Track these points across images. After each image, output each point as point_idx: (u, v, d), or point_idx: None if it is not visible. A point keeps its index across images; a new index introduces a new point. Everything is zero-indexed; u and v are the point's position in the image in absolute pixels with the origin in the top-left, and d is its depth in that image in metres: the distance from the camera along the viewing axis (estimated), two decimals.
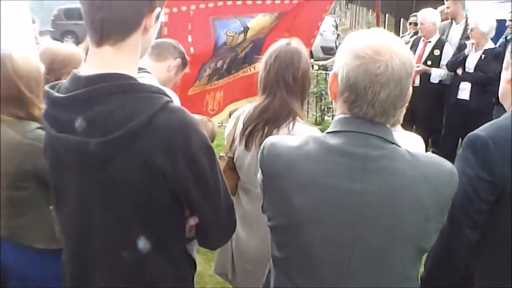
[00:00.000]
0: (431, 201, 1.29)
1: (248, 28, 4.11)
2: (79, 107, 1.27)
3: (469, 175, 1.60)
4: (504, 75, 1.80)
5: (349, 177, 1.28)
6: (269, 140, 1.42)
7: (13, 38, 2.83)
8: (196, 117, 3.02)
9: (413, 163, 1.30)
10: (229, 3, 3.95)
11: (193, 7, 3.74)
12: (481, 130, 1.66)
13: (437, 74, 5.45)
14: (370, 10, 15.30)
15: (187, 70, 2.93)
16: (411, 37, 6.12)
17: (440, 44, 5.57)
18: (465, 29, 5.83)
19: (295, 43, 2.27)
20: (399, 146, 1.33)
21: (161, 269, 1.41)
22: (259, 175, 1.42)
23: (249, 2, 4.04)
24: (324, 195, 1.29)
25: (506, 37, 5.53)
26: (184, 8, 3.70)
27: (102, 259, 1.40)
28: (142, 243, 1.35)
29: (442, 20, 5.96)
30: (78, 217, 1.39)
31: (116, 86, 1.27)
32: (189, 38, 3.79)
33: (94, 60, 1.33)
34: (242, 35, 4.12)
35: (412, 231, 1.29)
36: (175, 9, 3.65)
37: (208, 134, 2.94)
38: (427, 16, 5.63)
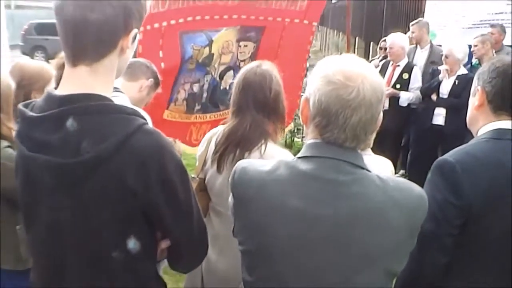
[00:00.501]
0: (401, 226, 1.30)
1: (213, 41, 4.17)
2: (53, 127, 1.25)
3: (437, 199, 1.64)
4: (472, 101, 1.84)
5: (320, 202, 1.29)
6: (240, 164, 1.42)
7: None
8: None
9: (383, 188, 1.31)
10: (197, 18, 4.00)
11: (164, 23, 3.78)
12: (450, 155, 1.70)
13: (406, 98, 5.54)
14: (340, 33, 15.55)
15: (159, 90, 2.92)
16: (380, 61, 6.22)
17: (408, 68, 5.67)
18: (430, 53, 5.99)
19: (267, 65, 2.29)
20: (369, 171, 1.34)
21: None
22: (230, 199, 1.42)
23: (216, 17, 4.10)
24: (295, 220, 1.29)
25: (471, 64, 5.68)
26: (156, 25, 3.74)
27: (74, 277, 1.37)
28: (114, 262, 1.33)
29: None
30: (50, 236, 1.37)
31: (90, 106, 1.26)
32: (160, 54, 3.83)
33: (69, 80, 1.31)
34: (207, 48, 4.17)
35: (382, 255, 1.30)
36: (148, 27, 3.68)
37: None
38: (396, 40, 5.74)
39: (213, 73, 4.27)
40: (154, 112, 3.82)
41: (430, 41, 6.21)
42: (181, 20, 3.88)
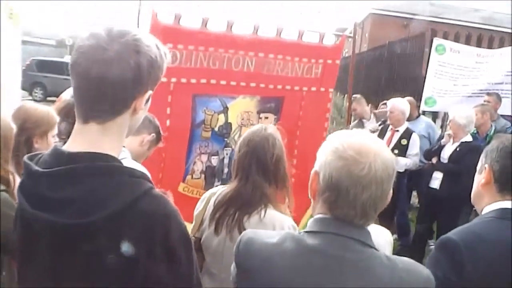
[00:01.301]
0: None
1: (228, 108, 4.07)
2: (58, 185, 1.22)
3: (438, 277, 1.60)
4: (478, 179, 1.84)
5: (325, 279, 1.26)
6: (246, 234, 1.40)
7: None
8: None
9: (391, 268, 1.28)
10: (212, 81, 3.92)
11: (174, 79, 3.73)
12: (454, 234, 1.69)
13: (403, 164, 5.49)
14: (338, 93, 15.75)
15: (160, 144, 2.87)
16: (379, 125, 6.24)
17: (407, 134, 5.63)
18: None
19: (271, 129, 2.29)
20: (376, 250, 1.32)
21: None
22: (233, 268, 1.39)
23: (232, 83, 4.02)
24: None
25: (487, 134, 5.66)
26: (164, 80, 3.68)
27: None
28: None
29: None
30: None
31: (99, 167, 1.23)
32: (168, 110, 3.76)
33: (79, 137, 1.29)
34: (222, 115, 4.08)
35: None
36: None
37: None
38: (397, 105, 5.70)
39: (233, 146, 4.13)
40: (169, 184, 3.77)
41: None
42: (193, 80, 3.83)
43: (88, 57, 1.21)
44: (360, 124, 6.49)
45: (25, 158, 1.32)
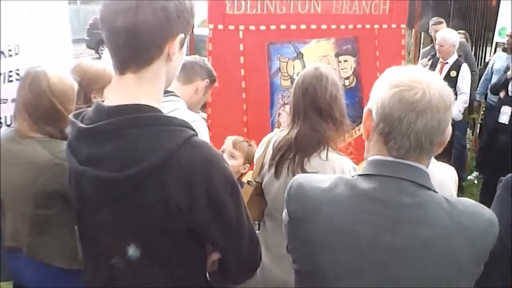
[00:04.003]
0: (466, 254, 1.20)
1: (302, 54, 4.00)
2: (100, 140, 1.25)
3: (504, 218, 1.51)
4: None
5: (379, 228, 1.20)
6: (297, 179, 1.35)
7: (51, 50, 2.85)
8: (232, 138, 2.97)
9: (450, 213, 1.20)
10: (282, 27, 3.86)
11: (242, 27, 3.69)
12: None
13: (456, 113, 5.20)
14: (412, 31, 14.94)
15: (216, 84, 2.81)
16: (428, 59, 5.82)
17: (456, 66, 5.40)
18: None
19: (323, 68, 2.23)
20: (435, 192, 1.24)
21: None
22: (284, 215, 1.35)
23: (303, 27, 3.94)
24: (351, 246, 1.21)
25: None
26: (231, 27, 3.65)
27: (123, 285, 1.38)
28: (161, 276, 1.33)
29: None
30: (97, 244, 1.38)
31: (137, 119, 1.24)
32: (241, 60, 3.74)
33: (116, 89, 1.30)
34: (297, 62, 4.00)
35: (444, 285, 1.20)
36: (220, 26, 3.61)
37: (244, 155, 2.90)
38: (447, 37, 5.48)
39: None
40: (255, 138, 3.66)
41: None
42: (262, 28, 3.78)
43: (113, 8, 1.21)
44: (433, 50, 6.08)
45: (71, 116, 1.36)
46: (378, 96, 1.24)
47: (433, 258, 1.18)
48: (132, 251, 1.31)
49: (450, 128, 1.27)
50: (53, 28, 2.91)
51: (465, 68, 5.39)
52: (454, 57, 5.46)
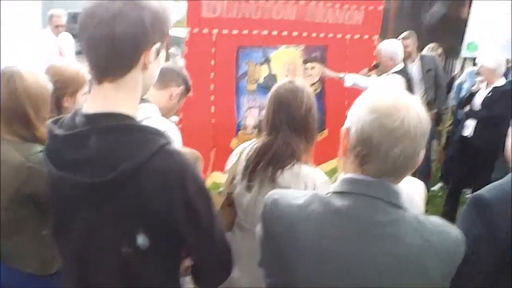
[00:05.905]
0: (437, 271, 1.25)
1: (270, 59, 4.02)
2: (77, 146, 1.28)
3: (470, 236, 1.57)
4: None
5: (353, 243, 1.24)
6: (271, 196, 1.37)
7: None
8: (185, 150, 2.97)
9: (420, 231, 1.25)
10: (254, 32, 3.89)
11: (215, 31, 3.72)
12: (486, 191, 1.64)
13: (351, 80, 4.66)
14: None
15: (190, 94, 2.82)
16: (369, 70, 5.52)
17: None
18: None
19: (298, 81, 2.26)
20: (406, 211, 1.29)
21: None
22: (259, 229, 1.38)
23: (274, 33, 3.97)
24: (325, 261, 1.24)
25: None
26: (205, 31, 3.67)
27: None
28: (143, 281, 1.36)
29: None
30: (79, 246, 1.40)
31: (113, 126, 1.28)
32: (212, 62, 3.77)
33: (94, 97, 1.34)
34: (265, 67, 4.03)
35: None
36: (196, 30, 3.63)
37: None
38: (382, 49, 4.96)
39: None
40: (222, 140, 3.82)
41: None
42: (235, 32, 3.80)
43: (91, 18, 1.24)
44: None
45: (49, 122, 1.39)
46: (357, 119, 1.27)
47: (406, 275, 1.23)
48: (111, 255, 1.33)
49: (422, 154, 1.31)
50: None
51: (392, 77, 4.90)
52: (397, 68, 4.98)
